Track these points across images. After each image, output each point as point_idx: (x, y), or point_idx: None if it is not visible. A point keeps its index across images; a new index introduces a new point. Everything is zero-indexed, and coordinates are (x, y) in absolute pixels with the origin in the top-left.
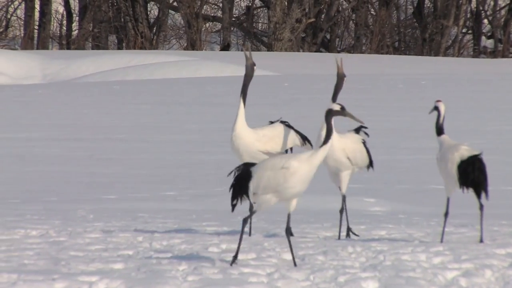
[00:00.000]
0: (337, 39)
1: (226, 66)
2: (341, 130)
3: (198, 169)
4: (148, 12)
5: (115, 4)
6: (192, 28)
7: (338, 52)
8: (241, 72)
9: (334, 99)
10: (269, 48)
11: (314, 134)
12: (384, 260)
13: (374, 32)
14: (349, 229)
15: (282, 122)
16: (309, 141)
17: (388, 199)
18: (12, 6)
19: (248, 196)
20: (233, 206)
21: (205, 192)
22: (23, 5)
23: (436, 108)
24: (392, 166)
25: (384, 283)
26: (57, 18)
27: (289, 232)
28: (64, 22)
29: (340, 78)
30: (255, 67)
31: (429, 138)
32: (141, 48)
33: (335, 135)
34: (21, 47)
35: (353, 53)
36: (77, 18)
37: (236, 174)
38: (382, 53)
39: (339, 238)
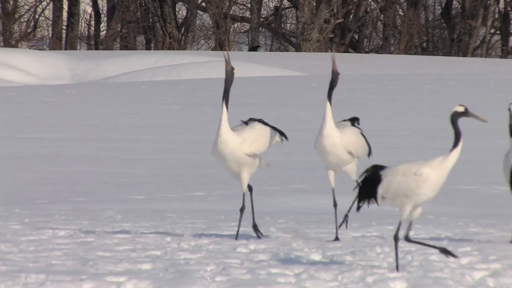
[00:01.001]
0: (365, 40)
1: (254, 67)
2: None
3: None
4: (177, 13)
5: (143, 4)
6: (220, 29)
7: (366, 52)
8: (270, 72)
9: (329, 96)
10: (298, 48)
11: None
12: (412, 260)
13: (402, 33)
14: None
15: (258, 120)
16: (285, 136)
17: None
18: (40, 6)
19: (376, 199)
20: (359, 207)
21: (234, 192)
22: (51, 5)
23: (509, 110)
24: None
25: (412, 284)
26: (85, 19)
27: (397, 239)
28: (92, 22)
29: (335, 75)
30: (234, 71)
31: None
32: (169, 49)
33: (336, 133)
34: (49, 47)
35: (381, 53)
36: (105, 18)
37: (365, 176)
38: (410, 54)
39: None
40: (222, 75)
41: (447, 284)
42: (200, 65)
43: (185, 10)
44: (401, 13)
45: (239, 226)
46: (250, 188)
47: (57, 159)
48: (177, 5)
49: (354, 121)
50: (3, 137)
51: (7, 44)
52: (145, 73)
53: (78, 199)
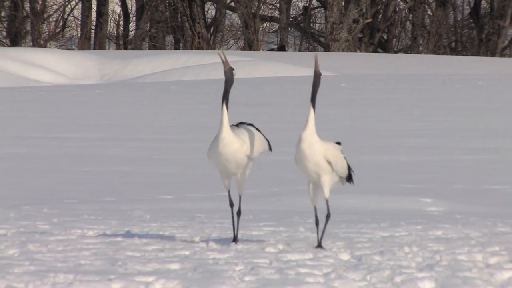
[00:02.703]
0: (394, 40)
1: (283, 67)
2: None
3: (255, 169)
4: (205, 12)
5: (172, 4)
6: (249, 28)
7: (395, 52)
8: (299, 72)
9: (313, 100)
10: (326, 48)
11: (371, 134)
12: (441, 260)
13: (431, 33)
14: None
15: (249, 124)
16: (270, 147)
17: (445, 199)
18: (69, 6)
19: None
20: None
21: (262, 192)
22: (80, 5)
23: None
24: (449, 166)
25: (441, 283)
26: (114, 18)
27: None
28: (121, 22)
29: (317, 76)
30: (234, 72)
31: (486, 138)
32: (198, 48)
33: (316, 138)
34: (78, 47)
35: (410, 53)
36: (134, 18)
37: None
38: (439, 54)
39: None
40: (251, 74)
41: (476, 284)
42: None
43: (214, 10)
44: (429, 13)
45: (237, 229)
46: (231, 204)
47: (86, 159)
48: (206, 5)
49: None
50: (33, 137)
51: (36, 44)
52: (174, 73)
53: (107, 199)
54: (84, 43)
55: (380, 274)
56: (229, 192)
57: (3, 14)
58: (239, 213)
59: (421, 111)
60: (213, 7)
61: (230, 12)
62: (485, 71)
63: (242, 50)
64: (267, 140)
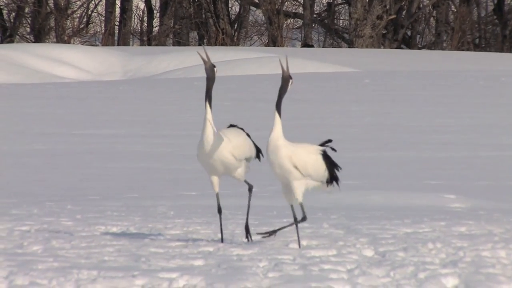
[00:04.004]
0: (418, 36)
1: (307, 63)
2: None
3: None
4: (229, 9)
5: (196, 0)
6: (273, 25)
7: (419, 48)
8: (323, 69)
9: (278, 105)
10: (350, 44)
11: (395, 130)
12: (464, 256)
13: (455, 29)
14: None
15: (240, 128)
16: (260, 156)
17: (468, 196)
18: (93, 2)
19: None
20: None
21: None
22: (103, 1)
23: None
24: (472, 163)
25: (464, 280)
26: (138, 14)
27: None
28: (145, 18)
29: (285, 80)
30: (215, 69)
31: (510, 135)
32: (222, 45)
33: (282, 140)
34: (102, 43)
35: (433, 49)
36: (158, 14)
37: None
38: (462, 50)
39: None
40: (275, 71)
41: (499, 280)
42: (253, 61)
43: (238, 6)
44: (453, 9)
45: (221, 228)
46: (250, 188)
47: (110, 155)
48: (230, 1)
49: (323, 144)
50: (56, 133)
51: (60, 40)
52: (197, 69)
53: (130, 195)
54: (108, 39)
55: (404, 271)
56: (217, 195)
57: (27, 10)
58: (250, 189)
59: (444, 107)
60: (237, 3)
61: (254, 8)
62: (508, 67)
63: (266, 46)
64: (257, 148)
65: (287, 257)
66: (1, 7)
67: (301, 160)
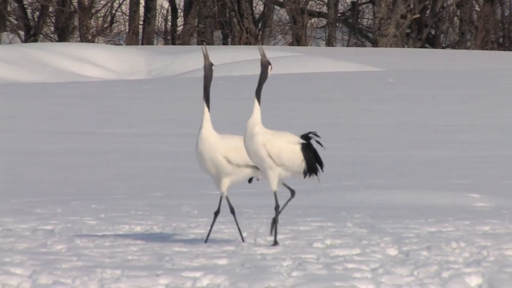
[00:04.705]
0: (442, 35)
1: (331, 62)
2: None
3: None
4: (254, 8)
5: None
6: (297, 24)
7: (443, 48)
8: (347, 68)
9: (257, 91)
10: (374, 44)
11: (418, 130)
12: (488, 255)
13: (479, 28)
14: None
15: None
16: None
17: (492, 195)
18: (117, 1)
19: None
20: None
21: (311, 187)
22: (127, 0)
23: None
24: (497, 162)
25: (488, 279)
26: (162, 14)
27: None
28: (169, 17)
29: (265, 67)
30: (213, 67)
31: None
32: (246, 44)
33: (258, 127)
34: (126, 42)
35: (457, 49)
36: (182, 13)
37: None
38: (486, 49)
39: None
40: (299, 70)
41: None
42: (277, 60)
43: (262, 5)
44: (477, 8)
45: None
46: (232, 210)
47: (134, 154)
48: (254, 0)
49: (309, 137)
50: (81, 132)
51: (84, 39)
52: (222, 68)
53: (155, 194)
54: (132, 38)
55: (428, 270)
56: (221, 198)
57: (51, 9)
58: (216, 213)
59: (468, 106)
60: (261, 2)
61: (278, 8)
62: None
63: (290, 45)
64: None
65: (311, 256)
66: (25, 6)
67: (276, 149)
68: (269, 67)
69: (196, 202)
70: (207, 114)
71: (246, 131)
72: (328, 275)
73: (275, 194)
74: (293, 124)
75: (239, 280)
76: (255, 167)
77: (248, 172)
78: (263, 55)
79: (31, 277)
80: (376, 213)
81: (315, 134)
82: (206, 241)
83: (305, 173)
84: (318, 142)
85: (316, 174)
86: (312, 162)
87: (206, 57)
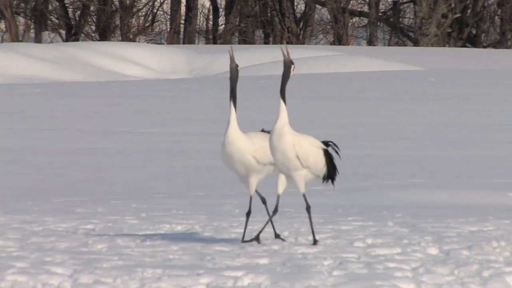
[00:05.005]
0: (483, 34)
1: (372, 61)
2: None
3: (344, 164)
4: (295, 7)
5: None
6: (338, 23)
7: (484, 47)
8: (388, 67)
9: (282, 92)
10: (415, 43)
11: (459, 129)
12: None
13: None
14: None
15: (269, 132)
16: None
17: None
18: (158, 0)
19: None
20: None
21: (351, 186)
22: None
23: None
24: None
25: None
26: (203, 13)
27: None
28: (210, 16)
29: (287, 67)
30: (238, 68)
31: None
32: (287, 43)
33: (287, 127)
34: (167, 41)
35: (498, 48)
36: (223, 12)
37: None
38: None
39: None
40: (340, 69)
41: None
42: (318, 60)
43: (304, 5)
44: None
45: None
46: (264, 201)
47: (175, 153)
48: None
49: (328, 144)
50: (122, 131)
51: (125, 38)
52: (263, 67)
53: (196, 194)
54: (173, 38)
55: (468, 269)
56: (251, 199)
57: (92, 8)
58: (248, 213)
59: (509, 106)
60: (302, 2)
61: (320, 7)
62: None
63: (331, 44)
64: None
65: (352, 256)
66: (67, 5)
67: (304, 150)
68: (292, 66)
69: (237, 201)
70: (234, 115)
71: (274, 132)
72: (369, 274)
73: (304, 195)
74: (333, 123)
75: (280, 280)
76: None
77: (271, 169)
78: (286, 55)
79: (72, 277)
80: (417, 212)
81: (334, 144)
82: (242, 241)
83: (324, 178)
84: (336, 151)
85: (332, 181)
86: (333, 168)
87: (232, 59)
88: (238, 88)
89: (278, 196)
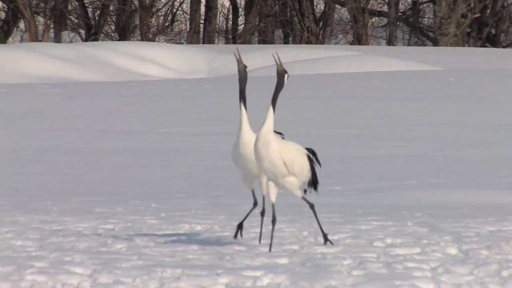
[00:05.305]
0: (502, 34)
1: (392, 61)
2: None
3: (364, 164)
4: (314, 7)
5: None
6: (358, 23)
7: (504, 47)
8: (407, 67)
9: (273, 100)
10: (435, 43)
11: (479, 128)
12: None
13: None
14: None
15: (278, 133)
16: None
17: None
18: (178, 0)
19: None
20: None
21: (371, 186)
22: None
23: None
24: None
25: None
26: (223, 13)
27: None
28: (230, 16)
29: (281, 76)
30: (247, 69)
31: None
32: (307, 43)
33: (272, 135)
34: (187, 41)
35: None
36: (243, 12)
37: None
38: None
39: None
40: (360, 69)
41: None
42: (338, 59)
43: (323, 4)
44: None
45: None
46: (256, 203)
47: (194, 153)
48: None
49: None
50: (142, 131)
51: (144, 38)
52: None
53: (215, 194)
54: (193, 37)
55: (487, 269)
56: (253, 191)
57: (111, 8)
58: (262, 212)
59: None
60: (322, 1)
61: (339, 7)
62: None
63: (350, 44)
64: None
65: (371, 255)
66: (86, 4)
67: (290, 156)
68: (286, 75)
69: None
70: (245, 116)
71: (259, 139)
72: (389, 274)
73: (303, 198)
74: (352, 123)
75: (300, 279)
76: None
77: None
78: (279, 64)
79: (92, 276)
80: (436, 212)
81: (313, 152)
82: (259, 242)
83: (309, 184)
84: (316, 159)
85: (315, 186)
86: (315, 174)
87: (239, 61)
88: (256, 88)
89: (273, 205)
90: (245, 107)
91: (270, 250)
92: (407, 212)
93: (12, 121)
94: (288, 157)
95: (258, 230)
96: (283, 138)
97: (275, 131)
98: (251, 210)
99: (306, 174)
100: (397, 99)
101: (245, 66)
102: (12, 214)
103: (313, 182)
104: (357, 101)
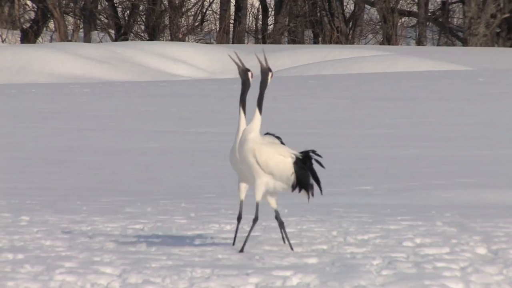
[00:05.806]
0: None
1: (421, 61)
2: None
3: (393, 164)
4: (344, 7)
5: None
6: (387, 23)
7: None
8: (437, 67)
9: (259, 100)
10: (464, 43)
11: (508, 128)
12: None
13: None
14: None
15: (276, 137)
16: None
17: None
18: (207, 0)
19: None
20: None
21: (400, 186)
22: None
23: None
24: None
25: None
26: (253, 13)
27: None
28: (260, 16)
29: (265, 74)
30: (250, 73)
31: None
32: (337, 43)
33: (253, 134)
34: (217, 41)
35: None
36: (272, 12)
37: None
38: None
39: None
40: (390, 69)
41: None
42: (368, 59)
43: (353, 4)
44: None
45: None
46: (239, 216)
47: (224, 153)
48: None
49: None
50: (171, 131)
51: (174, 38)
52: (312, 67)
53: None
54: (223, 37)
55: None
56: (241, 202)
57: (141, 8)
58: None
59: None
60: (352, 2)
61: (369, 7)
62: None
63: (380, 44)
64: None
65: (401, 255)
66: (116, 4)
67: (263, 156)
68: (270, 74)
69: (286, 201)
70: (243, 121)
71: (240, 138)
72: (418, 273)
73: (257, 204)
74: (382, 123)
75: (329, 279)
76: None
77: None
78: (262, 63)
79: (121, 276)
80: (466, 212)
81: (316, 154)
82: (289, 244)
83: (293, 187)
84: (318, 162)
85: (307, 190)
86: (304, 177)
87: (238, 64)
88: (285, 88)
89: (257, 204)
90: (244, 112)
91: (242, 250)
92: (436, 212)
93: (41, 121)
94: (261, 157)
95: (287, 230)
96: (282, 143)
97: (272, 134)
98: (238, 226)
99: (287, 176)
100: (426, 99)
101: (248, 70)
102: (41, 214)
103: (301, 185)
104: (386, 101)
